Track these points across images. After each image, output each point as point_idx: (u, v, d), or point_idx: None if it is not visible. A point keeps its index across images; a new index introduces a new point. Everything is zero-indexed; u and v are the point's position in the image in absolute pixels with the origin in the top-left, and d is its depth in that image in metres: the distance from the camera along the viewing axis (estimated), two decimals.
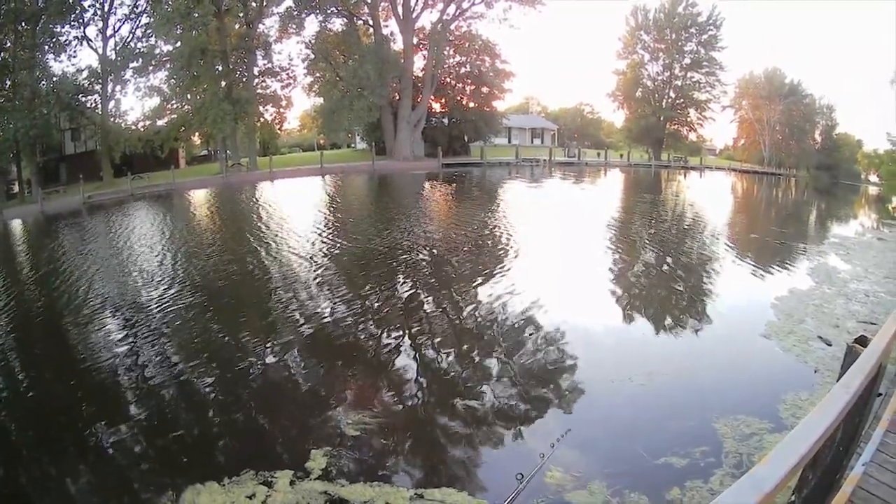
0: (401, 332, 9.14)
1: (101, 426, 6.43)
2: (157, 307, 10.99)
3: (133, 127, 39.40)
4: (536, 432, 5.99)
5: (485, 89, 46.11)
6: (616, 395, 6.77)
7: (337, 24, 43.17)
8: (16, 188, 38.99)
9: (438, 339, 8.84)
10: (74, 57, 39.46)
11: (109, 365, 8.32)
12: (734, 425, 5.82)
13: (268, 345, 8.78)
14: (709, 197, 34.17)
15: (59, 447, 6.19)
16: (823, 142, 62.64)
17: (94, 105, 39.40)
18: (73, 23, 38.89)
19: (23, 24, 37.51)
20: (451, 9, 43.76)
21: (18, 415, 7.24)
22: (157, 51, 39.21)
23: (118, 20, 39.82)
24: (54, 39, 38.31)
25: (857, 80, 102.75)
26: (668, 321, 9.79)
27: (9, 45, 37.98)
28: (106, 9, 39.41)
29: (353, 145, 56.35)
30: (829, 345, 8.16)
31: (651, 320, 9.88)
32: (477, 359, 8.02)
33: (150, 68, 39.23)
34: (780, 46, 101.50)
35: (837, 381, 2.81)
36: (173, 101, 39.56)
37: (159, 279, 13.26)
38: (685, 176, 47.87)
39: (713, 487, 4.88)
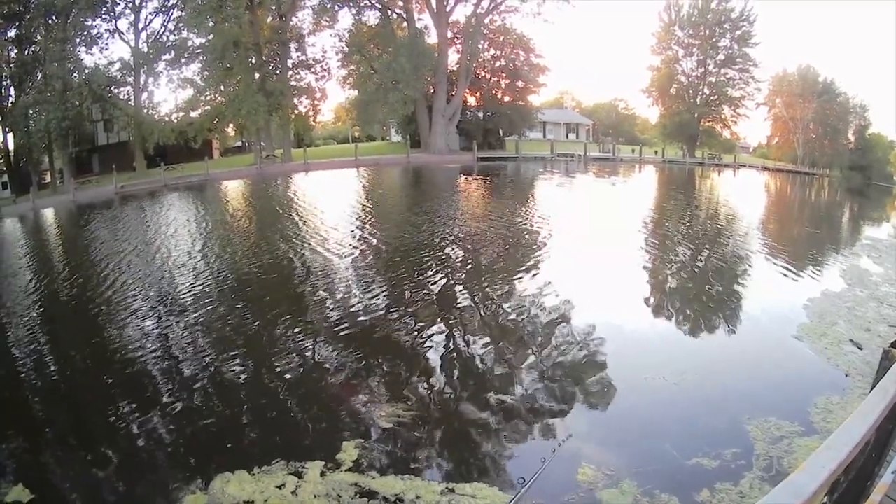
0: (434, 326, 9.16)
1: (132, 413, 6.49)
2: (189, 297, 11.12)
3: (166, 118, 39.03)
4: (569, 428, 5.97)
5: (520, 83, 45.54)
6: (649, 393, 6.77)
7: (371, 17, 42.80)
8: (48, 178, 38.70)
9: (471, 333, 8.85)
10: (106, 49, 39.29)
11: (141, 353, 8.37)
12: (765, 427, 5.76)
13: (301, 336, 8.86)
14: (742, 196, 33.62)
15: (89, 433, 6.22)
16: (857, 142, 61.23)
17: (126, 97, 39.22)
18: (104, 16, 38.90)
19: (53, 17, 37.41)
20: (486, 2, 43.23)
21: (49, 400, 7.23)
22: (190, 43, 39.16)
23: (150, 13, 39.85)
24: (85, 33, 38.27)
25: (889, 79, 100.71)
26: (702, 320, 9.76)
27: (39, 38, 37.91)
28: (137, 2, 39.38)
29: (388, 138, 55.85)
30: (861, 348, 8.05)
31: (684, 319, 9.85)
32: (510, 353, 7.99)
33: (183, 60, 39.14)
34: (813, 43, 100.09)
35: (872, 385, 2.81)
36: (207, 93, 39.24)
37: (191, 269, 13.25)
38: (719, 173, 46.99)
39: (743, 490, 4.81)
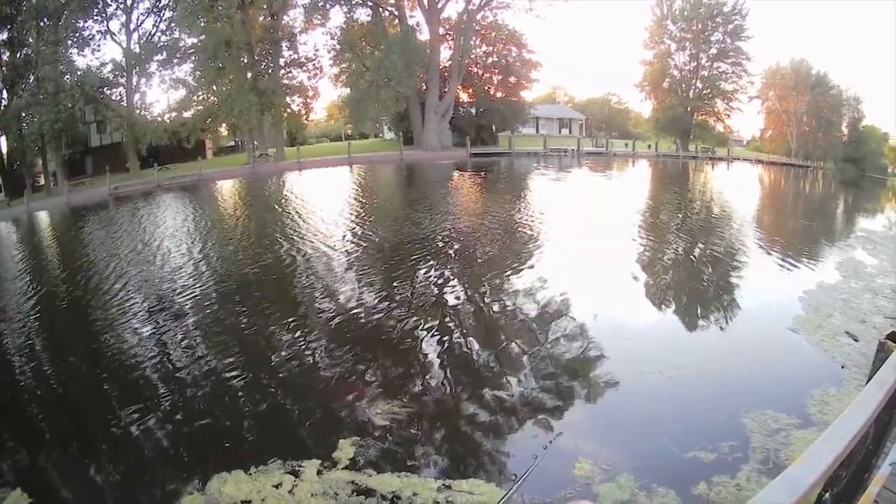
0: (429, 322, 9.09)
1: (128, 414, 6.44)
2: (184, 297, 11.06)
3: (159, 119, 38.73)
4: (566, 423, 5.97)
5: (512, 79, 45.45)
6: (646, 388, 6.78)
7: (362, 14, 42.67)
8: (42, 180, 38.43)
9: (467, 329, 8.84)
10: (98, 51, 39.14)
11: (136, 355, 8.38)
12: (762, 420, 5.77)
13: (296, 334, 8.84)
14: (736, 189, 33.69)
15: (86, 435, 6.20)
16: (850, 134, 61.33)
17: (119, 98, 38.90)
18: (95, 17, 38.58)
19: (45, 19, 37.07)
20: None
21: (46, 403, 7.21)
22: (182, 43, 38.75)
23: (141, 14, 39.51)
24: (77, 34, 37.98)
25: (882, 72, 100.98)
26: (698, 314, 9.78)
27: (31, 40, 37.59)
28: (129, 3, 39.06)
29: (380, 135, 55.78)
30: (856, 340, 8.09)
31: (680, 313, 9.93)
32: (506, 349, 8.00)
33: (175, 61, 38.73)
34: (806, 37, 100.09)
35: (869, 377, 2.78)
36: (199, 93, 38.89)
37: (185, 269, 13.22)
38: (713, 167, 47.18)
39: (740, 483, 4.84)
